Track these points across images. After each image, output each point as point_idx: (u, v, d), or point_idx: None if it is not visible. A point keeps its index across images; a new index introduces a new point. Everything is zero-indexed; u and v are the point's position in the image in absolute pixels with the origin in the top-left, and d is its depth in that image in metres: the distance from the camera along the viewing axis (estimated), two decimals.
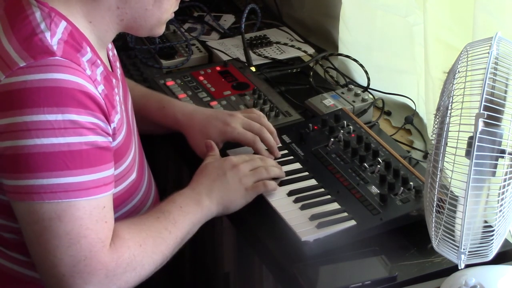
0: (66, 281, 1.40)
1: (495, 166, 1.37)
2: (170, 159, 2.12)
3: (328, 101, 1.97)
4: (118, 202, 1.55)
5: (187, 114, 1.82)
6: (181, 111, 1.83)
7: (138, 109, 1.79)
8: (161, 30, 1.56)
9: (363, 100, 1.97)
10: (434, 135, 1.43)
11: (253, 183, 1.66)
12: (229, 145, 1.79)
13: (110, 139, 1.46)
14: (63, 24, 1.43)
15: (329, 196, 1.67)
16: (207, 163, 1.69)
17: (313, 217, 1.61)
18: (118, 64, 1.69)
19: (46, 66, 1.37)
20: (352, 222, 1.60)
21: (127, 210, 1.59)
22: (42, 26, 1.41)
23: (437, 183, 1.40)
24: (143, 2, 1.49)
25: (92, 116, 1.40)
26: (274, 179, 1.70)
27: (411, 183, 1.66)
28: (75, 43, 1.43)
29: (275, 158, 1.77)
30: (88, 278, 1.40)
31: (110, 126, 1.46)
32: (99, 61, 1.48)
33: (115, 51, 1.70)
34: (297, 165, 1.76)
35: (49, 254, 1.39)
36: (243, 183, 1.65)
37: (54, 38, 1.40)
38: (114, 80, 1.55)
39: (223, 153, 1.76)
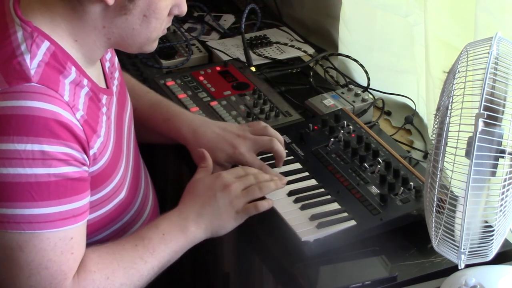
0: None
1: (495, 166, 1.37)
2: (170, 159, 2.12)
3: (328, 101, 1.97)
4: (106, 221, 1.54)
5: (192, 130, 1.75)
6: (186, 125, 1.76)
7: (145, 119, 1.76)
8: (151, 47, 1.51)
9: (363, 100, 1.97)
10: (434, 135, 1.43)
11: (244, 204, 1.58)
12: None
13: (86, 168, 1.42)
14: (45, 44, 1.39)
15: (329, 196, 1.67)
16: (198, 180, 1.61)
17: (313, 217, 1.61)
18: (117, 74, 1.64)
19: (20, 92, 1.33)
20: (352, 222, 1.59)
21: (118, 227, 1.58)
22: (23, 47, 1.37)
23: (437, 183, 1.40)
24: (130, 21, 1.43)
25: (65, 146, 1.36)
26: None
27: (411, 183, 1.66)
28: (57, 64, 1.39)
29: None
30: None
31: (88, 153, 1.42)
32: (85, 81, 1.44)
33: (116, 60, 1.67)
34: (297, 165, 1.76)
35: (10, 282, 1.38)
36: (234, 206, 1.57)
37: (34, 60, 1.36)
38: (105, 98, 1.51)
39: None
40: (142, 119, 1.76)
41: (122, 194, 1.55)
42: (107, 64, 1.61)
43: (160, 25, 1.48)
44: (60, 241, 1.37)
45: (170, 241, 1.52)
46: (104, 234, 1.54)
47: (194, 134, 1.75)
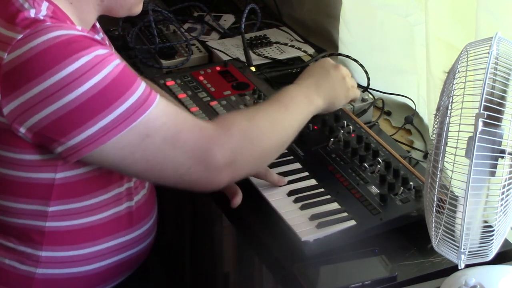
0: (198, 172, 1.45)
1: (495, 166, 1.37)
2: None
3: None
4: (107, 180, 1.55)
5: None
6: None
7: None
8: (139, 8, 1.59)
9: (363, 100, 1.97)
10: (434, 135, 1.43)
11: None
12: None
13: None
14: (45, 4, 1.45)
15: (329, 196, 1.67)
16: (309, 66, 1.78)
17: (313, 217, 1.61)
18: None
19: (42, 30, 1.39)
20: (352, 222, 1.59)
21: (117, 193, 1.58)
22: (26, 5, 1.43)
23: (437, 183, 1.40)
24: None
25: (104, 48, 1.43)
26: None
27: (411, 183, 1.66)
28: (60, 20, 1.45)
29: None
30: (210, 156, 1.45)
31: None
32: None
33: (106, 42, 1.69)
34: (297, 165, 1.76)
35: (166, 167, 1.44)
36: (346, 82, 1.75)
37: (39, 14, 1.42)
38: None
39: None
40: None
41: None
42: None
43: None
44: (166, 108, 1.45)
45: (298, 103, 1.63)
46: (104, 197, 1.55)
47: None
